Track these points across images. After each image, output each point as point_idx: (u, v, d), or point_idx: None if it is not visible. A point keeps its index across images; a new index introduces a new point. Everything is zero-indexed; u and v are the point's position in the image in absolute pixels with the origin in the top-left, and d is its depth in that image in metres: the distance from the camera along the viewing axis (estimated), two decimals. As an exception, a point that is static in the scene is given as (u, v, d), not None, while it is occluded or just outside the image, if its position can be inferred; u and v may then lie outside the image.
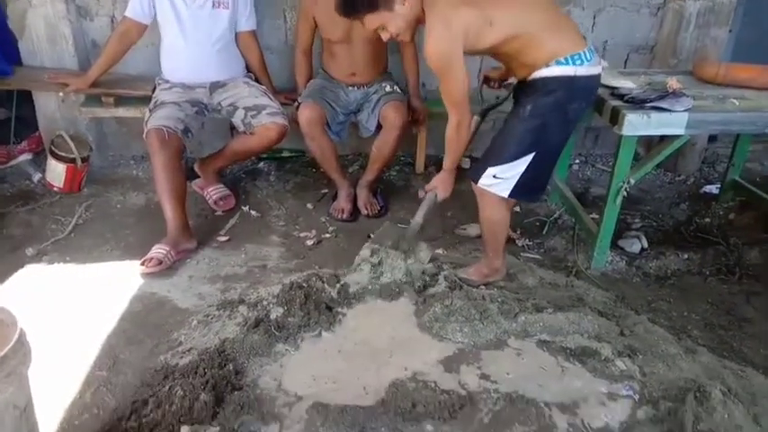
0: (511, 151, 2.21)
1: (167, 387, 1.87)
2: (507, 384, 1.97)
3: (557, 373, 2.03)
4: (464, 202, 2.99)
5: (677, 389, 1.93)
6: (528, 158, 2.19)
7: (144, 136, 2.75)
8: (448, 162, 2.34)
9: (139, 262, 2.55)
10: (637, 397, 1.93)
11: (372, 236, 2.69)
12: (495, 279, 2.52)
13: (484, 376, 2.01)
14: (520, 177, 2.22)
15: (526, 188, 2.27)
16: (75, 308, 2.35)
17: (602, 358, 2.07)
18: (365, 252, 2.51)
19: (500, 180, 2.24)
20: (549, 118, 2.15)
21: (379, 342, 2.16)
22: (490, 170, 2.24)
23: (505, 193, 2.27)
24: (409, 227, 2.56)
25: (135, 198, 3.18)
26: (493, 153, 2.27)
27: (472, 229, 2.90)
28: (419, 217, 2.53)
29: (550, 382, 1.99)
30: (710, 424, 1.75)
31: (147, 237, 2.75)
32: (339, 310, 2.30)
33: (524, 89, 2.23)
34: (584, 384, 1.99)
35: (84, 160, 3.15)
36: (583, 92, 2.18)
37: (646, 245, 2.89)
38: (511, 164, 2.21)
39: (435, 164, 3.64)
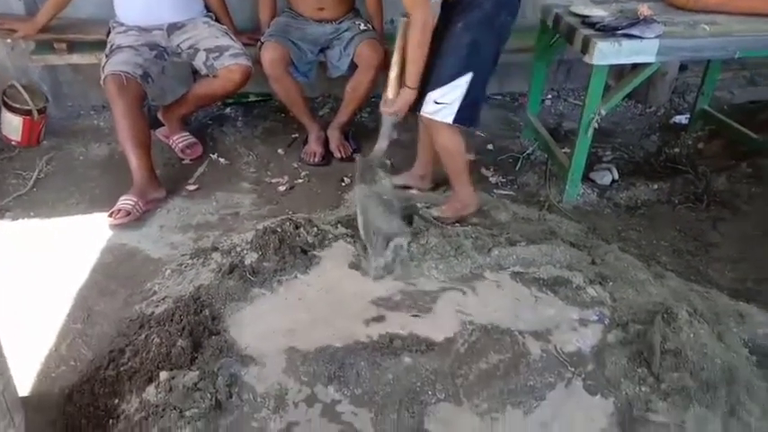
0: (448, 71, 2.22)
1: (144, 335, 1.86)
2: (482, 316, 2.01)
3: (530, 302, 2.08)
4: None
5: (646, 312, 1.99)
6: (467, 78, 2.21)
7: (101, 82, 2.63)
8: (412, 77, 2.26)
9: (107, 214, 2.49)
10: (607, 321, 1.99)
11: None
12: (468, 212, 2.53)
13: (460, 309, 2.04)
14: (462, 101, 2.24)
15: (468, 112, 2.29)
16: (44, 262, 2.30)
17: (574, 286, 2.12)
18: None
19: (442, 105, 2.26)
20: (479, 34, 2.18)
21: (355, 283, 2.17)
22: (431, 95, 2.25)
23: (450, 119, 2.28)
24: (372, 153, 2.52)
25: (98, 149, 3.07)
26: (431, 78, 2.26)
27: (396, 180, 2.74)
28: (381, 143, 2.48)
29: (524, 311, 2.03)
30: (677, 343, 1.81)
31: (114, 188, 2.68)
32: (315, 253, 2.30)
33: (454, 8, 2.24)
34: (557, 312, 2.03)
35: (40, 112, 3.01)
36: (508, 4, 2.22)
37: (616, 176, 2.92)
38: (450, 85, 2.22)
39: (407, 104, 3.58)
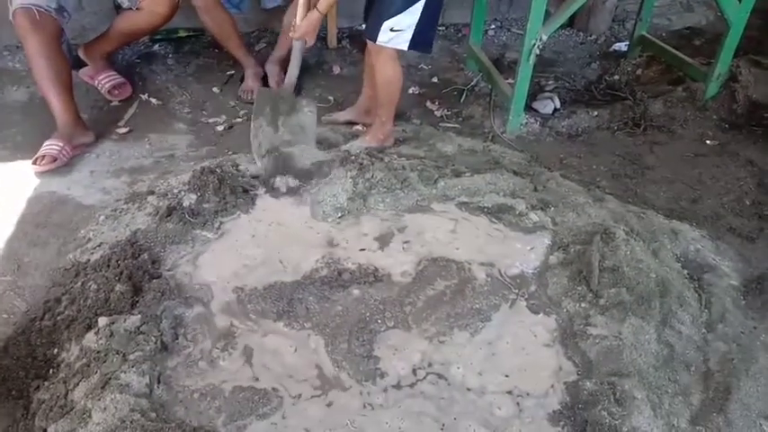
0: None
1: (80, 283, 1.79)
2: (429, 246, 2.02)
3: (474, 230, 2.10)
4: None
5: (585, 233, 2.05)
6: (421, 4, 2.17)
7: (11, 18, 2.39)
8: (323, 4, 2.23)
9: (31, 161, 2.33)
10: (547, 242, 2.04)
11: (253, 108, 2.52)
12: (389, 144, 2.56)
13: (406, 240, 2.04)
14: (416, 27, 2.21)
15: (422, 37, 2.27)
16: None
17: (517, 213, 2.16)
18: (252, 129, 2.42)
19: (398, 32, 2.21)
20: None
21: (300, 220, 2.13)
22: (387, 24, 2.20)
23: (405, 46, 2.25)
24: (285, 83, 2.46)
25: (15, 93, 2.84)
26: (385, 6, 2.20)
27: (340, 116, 2.78)
28: (293, 70, 2.43)
29: (469, 239, 2.06)
30: (615, 260, 1.89)
31: (37, 134, 2.49)
32: (257, 192, 2.23)
33: None
34: (501, 238, 2.07)
35: (-56, 53, 2.75)
36: None
37: (558, 105, 2.95)
38: (406, 12, 2.18)
39: (348, 37, 3.46)
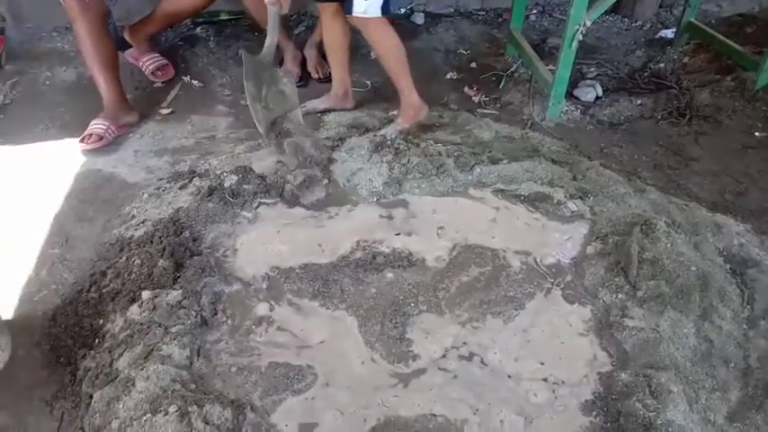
0: None
1: (124, 258, 1.85)
2: (464, 232, 2.02)
3: (510, 218, 2.09)
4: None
5: (625, 224, 2.01)
6: None
7: (61, 1, 2.47)
8: None
9: (78, 139, 2.41)
10: (585, 232, 2.01)
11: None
12: (424, 116, 2.51)
13: (440, 227, 2.04)
14: None
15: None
16: (18, 190, 2.24)
17: (555, 201, 2.13)
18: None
19: (370, 1, 2.20)
20: None
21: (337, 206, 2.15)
22: None
23: (379, 12, 2.23)
24: (263, 51, 2.36)
25: (64, 73, 2.93)
26: None
27: (317, 104, 2.70)
28: (270, 38, 2.35)
29: (504, 226, 2.04)
30: (655, 252, 1.85)
31: (84, 113, 2.57)
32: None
33: None
34: (538, 227, 2.05)
35: (-1, 33, 2.85)
36: None
37: (600, 93, 2.88)
38: None
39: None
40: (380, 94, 2.84)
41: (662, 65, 3.10)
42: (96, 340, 1.65)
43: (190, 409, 1.39)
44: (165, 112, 2.70)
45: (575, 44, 2.48)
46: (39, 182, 2.27)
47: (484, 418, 1.48)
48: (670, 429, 1.41)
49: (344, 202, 2.16)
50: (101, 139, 2.40)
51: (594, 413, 1.50)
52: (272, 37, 2.34)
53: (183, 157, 2.42)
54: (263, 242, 1.97)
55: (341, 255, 1.93)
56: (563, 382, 1.56)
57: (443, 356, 1.63)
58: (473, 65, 3.15)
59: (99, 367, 1.54)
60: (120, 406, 1.43)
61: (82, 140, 2.40)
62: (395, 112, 2.71)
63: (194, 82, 2.92)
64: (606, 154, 2.54)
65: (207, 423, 1.37)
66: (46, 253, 1.98)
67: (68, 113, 2.67)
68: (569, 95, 2.80)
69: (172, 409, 1.38)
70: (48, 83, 2.87)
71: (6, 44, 2.94)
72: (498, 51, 3.24)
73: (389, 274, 1.85)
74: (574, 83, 2.84)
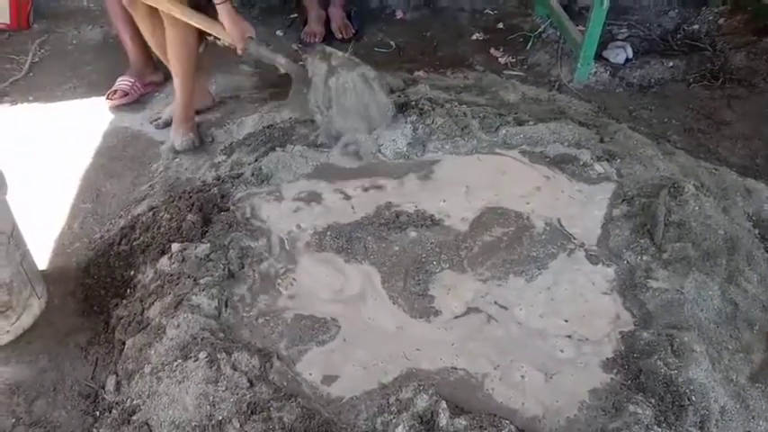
0: None
1: (153, 213, 1.89)
2: (487, 192, 2.01)
3: (535, 179, 2.07)
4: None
5: (652, 187, 1.98)
6: None
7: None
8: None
9: (105, 96, 2.44)
10: (611, 194, 1.99)
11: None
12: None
13: (464, 188, 2.03)
14: None
15: None
16: (48, 146, 2.29)
17: (581, 163, 2.10)
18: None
19: None
20: None
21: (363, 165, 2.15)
22: None
23: None
24: (294, 79, 2.15)
25: (90, 32, 2.96)
26: None
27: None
28: (276, 61, 2.16)
29: (529, 187, 2.03)
30: (682, 215, 1.82)
31: (110, 73, 2.60)
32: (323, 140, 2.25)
33: None
34: (562, 188, 2.03)
35: (26, -9, 2.87)
36: None
37: (631, 55, 2.81)
38: None
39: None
40: (404, 54, 2.81)
41: (696, 26, 3.00)
42: (128, 290, 1.71)
43: (219, 356, 1.43)
44: (189, 71, 2.71)
45: (606, 3, 2.41)
46: (68, 139, 2.32)
47: (505, 373, 1.50)
48: (691, 387, 1.42)
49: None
50: (126, 95, 2.43)
51: (615, 371, 1.51)
52: (276, 59, 2.16)
53: (208, 116, 2.44)
54: (290, 200, 1.98)
55: (364, 214, 1.94)
56: (587, 339, 1.57)
57: (466, 313, 1.65)
58: (500, 25, 3.09)
59: (131, 315, 1.60)
60: (152, 352, 1.48)
61: (108, 97, 2.43)
62: (419, 73, 2.69)
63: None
64: (635, 117, 2.49)
65: (235, 369, 1.41)
66: (78, 207, 2.04)
67: (95, 72, 2.70)
68: (598, 57, 2.74)
69: (202, 355, 1.42)
70: (75, 42, 2.90)
71: (33, 3, 2.96)
72: (526, 11, 3.17)
73: (413, 233, 1.86)
74: (603, 44, 2.77)
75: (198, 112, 2.41)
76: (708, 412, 1.39)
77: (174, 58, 2.11)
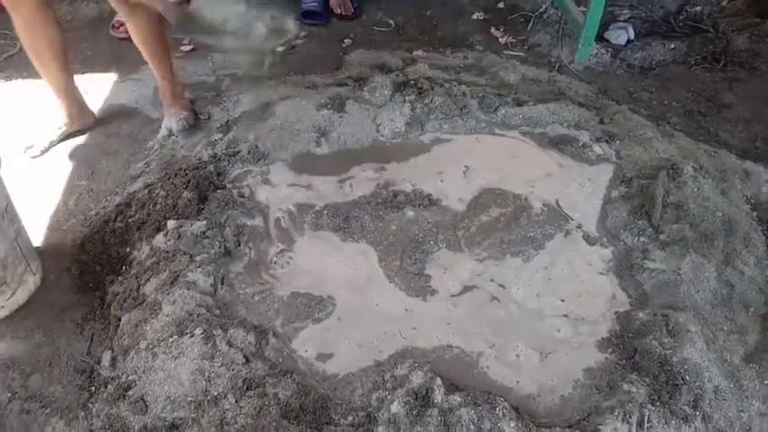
0: None
1: (147, 190, 1.87)
2: (485, 172, 2.00)
3: (533, 159, 2.06)
4: None
5: (651, 168, 1.97)
6: None
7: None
8: None
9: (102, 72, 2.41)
10: (610, 175, 1.98)
11: None
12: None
13: (463, 168, 2.02)
14: None
15: None
16: (43, 123, 2.26)
17: (580, 144, 2.09)
18: None
19: None
20: None
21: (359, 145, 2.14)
22: None
23: None
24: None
25: (85, 9, 2.91)
26: None
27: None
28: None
29: (527, 168, 2.02)
30: (680, 196, 1.82)
31: (106, 49, 2.57)
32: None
33: None
34: (561, 169, 2.02)
35: (19, -34, 2.81)
36: None
37: (632, 36, 2.78)
38: None
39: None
40: (404, 33, 2.78)
41: (698, 8, 2.96)
42: (123, 267, 1.70)
43: (215, 332, 1.43)
44: (185, 48, 2.68)
45: (608, -18, 2.37)
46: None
47: (500, 352, 1.51)
48: (685, 366, 1.42)
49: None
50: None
51: (610, 350, 1.52)
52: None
53: (204, 93, 2.41)
54: (287, 178, 1.97)
55: (361, 193, 1.93)
56: (583, 319, 1.57)
57: (462, 292, 1.65)
58: (500, 5, 3.05)
59: (126, 292, 1.59)
60: (148, 328, 1.48)
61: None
62: (418, 52, 2.67)
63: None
64: (635, 98, 2.47)
65: (231, 346, 1.42)
66: (73, 184, 2.02)
67: (90, 49, 2.66)
68: (599, 38, 2.71)
69: (197, 331, 1.42)
70: (69, 17, 2.85)
71: (27, -23, 2.90)
72: (527, -9, 3.12)
73: (410, 213, 1.86)
74: (605, 25, 2.74)
75: (76, 133, 2.20)
76: (702, 392, 1.40)
77: (143, 43, 2.06)
